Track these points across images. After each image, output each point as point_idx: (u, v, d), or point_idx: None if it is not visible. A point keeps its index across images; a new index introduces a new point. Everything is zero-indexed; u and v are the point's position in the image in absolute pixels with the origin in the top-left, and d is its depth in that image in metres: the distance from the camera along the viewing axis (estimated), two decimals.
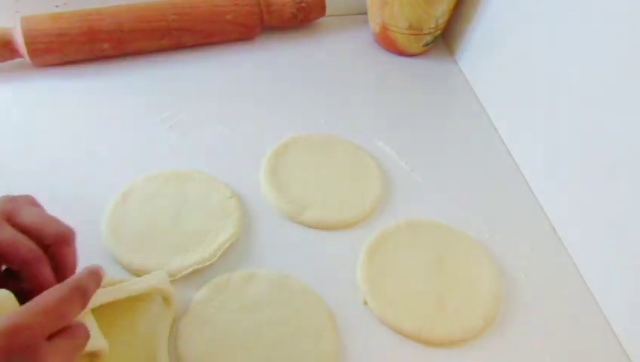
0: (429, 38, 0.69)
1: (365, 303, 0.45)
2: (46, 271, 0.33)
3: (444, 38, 0.74)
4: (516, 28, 0.58)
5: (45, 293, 0.29)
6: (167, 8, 0.63)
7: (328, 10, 0.72)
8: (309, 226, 0.50)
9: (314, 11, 0.71)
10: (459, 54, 0.71)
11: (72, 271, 0.34)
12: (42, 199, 0.49)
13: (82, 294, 0.31)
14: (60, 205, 0.50)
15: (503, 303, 0.46)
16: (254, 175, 0.53)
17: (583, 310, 0.47)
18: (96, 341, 0.33)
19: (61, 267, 0.34)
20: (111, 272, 0.38)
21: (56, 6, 0.64)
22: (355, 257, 0.47)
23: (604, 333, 0.45)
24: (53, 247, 0.33)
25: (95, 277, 0.32)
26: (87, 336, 0.30)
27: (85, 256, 0.36)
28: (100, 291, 0.34)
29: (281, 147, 0.55)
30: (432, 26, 0.67)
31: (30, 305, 0.28)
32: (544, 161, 0.54)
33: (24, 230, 0.33)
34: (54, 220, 0.35)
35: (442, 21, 0.67)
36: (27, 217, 0.34)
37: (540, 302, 0.46)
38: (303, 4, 0.69)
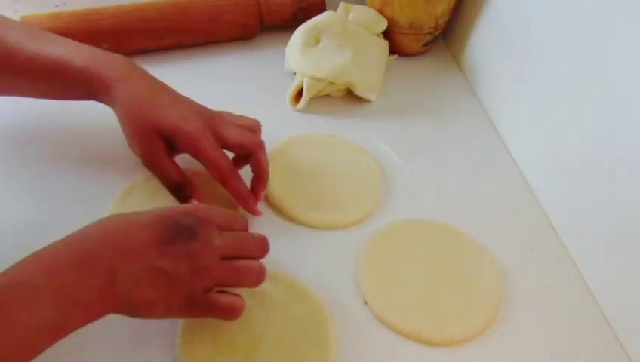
0: (429, 38, 0.69)
1: (365, 303, 0.45)
2: (239, 182, 0.46)
3: (444, 38, 0.74)
4: (516, 28, 0.58)
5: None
6: (167, 8, 0.63)
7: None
8: (309, 226, 0.50)
9: (314, 11, 0.71)
10: (459, 54, 0.71)
11: (266, 174, 0.48)
12: (42, 198, 0.49)
13: (264, 248, 0.41)
14: (60, 203, 0.50)
15: (503, 303, 0.46)
16: None
17: (583, 310, 0.47)
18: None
19: (258, 170, 0.48)
20: None
21: (56, 6, 0.64)
22: (355, 257, 0.47)
23: (604, 333, 0.45)
24: (253, 155, 0.47)
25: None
26: (258, 277, 0.39)
27: None
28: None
29: (282, 147, 0.55)
30: (432, 25, 0.67)
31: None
32: (544, 161, 0.54)
33: (226, 144, 0.46)
34: (248, 133, 0.47)
35: (442, 21, 0.67)
36: (228, 132, 0.46)
37: (540, 302, 0.46)
38: (303, 4, 0.69)
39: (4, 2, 0.63)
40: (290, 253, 0.47)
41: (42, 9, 0.61)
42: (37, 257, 0.32)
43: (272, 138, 0.56)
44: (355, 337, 0.43)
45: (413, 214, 0.51)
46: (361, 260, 0.47)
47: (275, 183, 0.52)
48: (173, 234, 0.35)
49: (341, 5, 0.68)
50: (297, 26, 0.66)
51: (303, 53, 0.61)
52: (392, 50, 0.69)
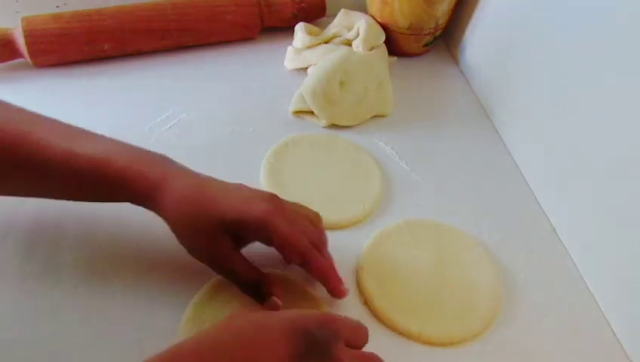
0: (429, 39, 0.69)
1: (365, 303, 0.45)
2: (321, 260, 0.41)
3: (444, 39, 0.74)
4: (516, 28, 0.58)
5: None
6: (167, 8, 0.63)
7: (328, 10, 0.72)
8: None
9: (314, 11, 0.71)
10: (459, 54, 0.71)
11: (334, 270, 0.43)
12: (40, 199, 0.49)
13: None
14: (59, 205, 0.50)
15: (503, 303, 0.46)
16: (254, 175, 0.53)
17: (583, 310, 0.47)
18: None
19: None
20: None
21: (57, 6, 0.64)
22: (355, 257, 0.47)
23: (604, 333, 0.45)
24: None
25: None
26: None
27: None
28: None
29: (281, 147, 0.55)
30: (432, 26, 0.67)
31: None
32: (544, 161, 0.54)
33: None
34: (311, 226, 0.43)
35: (442, 21, 0.67)
36: (292, 217, 0.41)
37: (540, 302, 0.46)
38: (303, 4, 0.69)
39: (4, 2, 0.63)
40: None
41: (43, 9, 0.61)
42: None
43: (271, 138, 0.56)
44: None
45: (413, 214, 0.52)
46: (361, 260, 0.47)
47: (275, 184, 0.52)
48: (307, 349, 0.32)
49: (341, 13, 0.68)
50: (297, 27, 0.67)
51: (327, 101, 0.59)
52: (392, 51, 0.69)
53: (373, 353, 0.37)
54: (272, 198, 0.41)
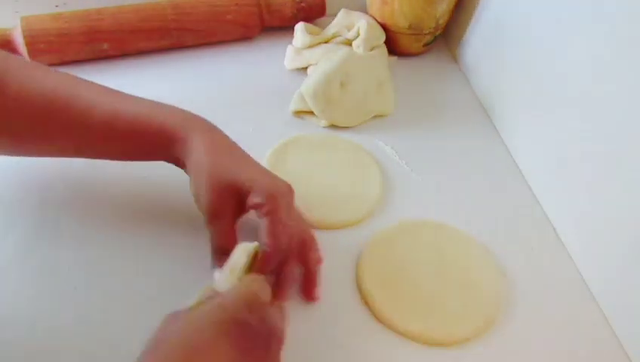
0: (429, 38, 0.69)
1: (365, 303, 0.45)
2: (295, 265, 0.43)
3: (444, 38, 0.74)
4: (516, 28, 0.58)
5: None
6: (167, 8, 0.63)
7: (328, 10, 0.72)
8: (309, 226, 0.50)
9: (314, 11, 0.71)
10: (459, 54, 0.71)
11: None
12: (40, 201, 0.49)
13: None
14: (58, 206, 0.50)
15: (503, 303, 0.46)
16: None
17: (583, 310, 0.47)
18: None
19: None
20: None
21: (56, 6, 0.64)
22: (355, 257, 0.47)
23: (604, 333, 0.45)
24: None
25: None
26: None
27: None
28: None
29: (281, 147, 0.55)
30: (432, 26, 0.67)
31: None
32: (544, 161, 0.54)
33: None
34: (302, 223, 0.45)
35: (442, 21, 0.67)
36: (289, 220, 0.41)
37: (540, 302, 0.46)
38: (303, 4, 0.69)
39: (4, 2, 0.63)
40: None
41: (42, 9, 0.61)
42: None
43: (271, 138, 0.56)
44: (355, 337, 0.43)
45: (413, 214, 0.52)
46: (361, 260, 0.47)
47: None
48: (247, 340, 0.32)
49: (341, 13, 0.68)
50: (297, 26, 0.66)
51: (328, 102, 0.58)
52: (392, 51, 0.69)
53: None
54: (289, 185, 0.43)
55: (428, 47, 0.71)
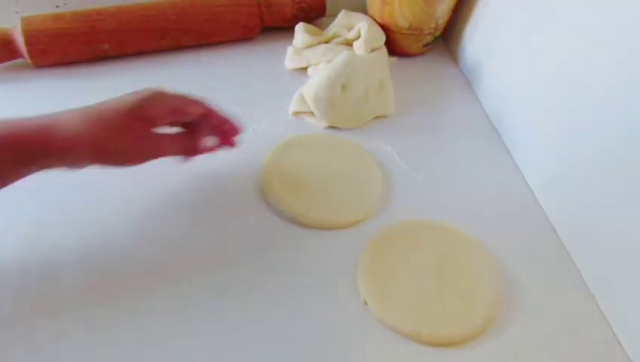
0: (429, 39, 0.69)
1: (365, 303, 0.45)
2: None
3: (444, 38, 0.74)
4: (516, 28, 0.58)
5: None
6: (167, 8, 0.63)
7: (328, 10, 0.72)
8: (310, 226, 0.50)
9: (314, 11, 0.71)
10: (459, 54, 0.71)
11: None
12: (40, 199, 0.49)
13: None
14: (58, 206, 0.50)
15: (503, 303, 0.46)
16: (254, 175, 0.53)
17: (582, 310, 0.46)
18: None
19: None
20: None
21: (57, 6, 0.64)
22: (355, 257, 0.47)
23: (604, 333, 0.45)
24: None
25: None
26: (194, 149, 0.47)
27: None
28: None
29: (281, 147, 0.55)
30: (432, 26, 0.67)
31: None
32: (544, 161, 0.54)
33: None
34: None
35: (442, 21, 0.67)
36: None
37: (540, 302, 0.46)
38: (303, 4, 0.69)
39: (4, 2, 0.63)
40: (290, 253, 0.48)
41: (42, 9, 0.61)
42: None
43: (272, 138, 0.56)
44: (355, 337, 0.43)
45: (413, 214, 0.52)
46: (361, 260, 0.47)
47: (275, 183, 0.52)
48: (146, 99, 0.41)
49: (341, 13, 0.68)
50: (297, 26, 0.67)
51: (330, 106, 0.58)
52: (392, 52, 0.69)
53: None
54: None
55: (428, 47, 0.71)
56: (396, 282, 0.45)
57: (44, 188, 0.50)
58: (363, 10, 0.70)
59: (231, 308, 0.43)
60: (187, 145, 0.47)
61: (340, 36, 0.67)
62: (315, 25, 0.70)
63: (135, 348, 0.40)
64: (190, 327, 0.42)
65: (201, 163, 0.52)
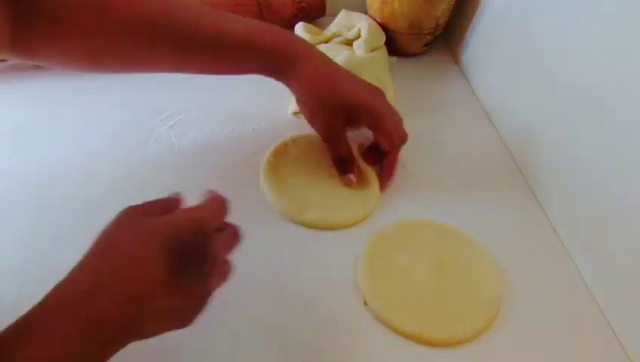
0: (429, 38, 0.69)
1: (365, 303, 0.45)
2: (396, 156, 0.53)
3: (444, 38, 0.74)
4: (516, 28, 0.58)
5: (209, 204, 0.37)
6: None
7: (328, 10, 0.72)
8: (309, 226, 0.50)
9: (314, 11, 0.71)
10: (459, 54, 0.71)
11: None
12: (40, 199, 0.49)
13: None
14: (58, 206, 0.50)
15: (503, 303, 0.46)
16: (254, 175, 0.53)
17: (582, 310, 0.46)
18: None
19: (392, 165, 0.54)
20: None
21: None
22: (355, 257, 0.47)
23: (604, 333, 0.45)
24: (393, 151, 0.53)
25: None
26: (240, 236, 0.38)
27: None
28: None
29: (281, 147, 0.55)
30: (433, 25, 0.67)
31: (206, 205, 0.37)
32: (544, 161, 0.54)
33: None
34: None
35: (442, 21, 0.67)
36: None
37: (540, 302, 0.46)
38: (303, 4, 0.69)
39: None
40: (291, 253, 0.48)
41: None
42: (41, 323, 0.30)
43: (271, 138, 0.56)
44: (356, 337, 0.43)
45: (413, 214, 0.51)
46: (361, 260, 0.47)
47: (275, 184, 0.52)
48: (183, 262, 0.32)
49: (341, 13, 0.68)
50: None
51: None
52: (392, 51, 0.69)
53: (234, 228, 0.38)
54: (384, 93, 0.51)
55: (428, 47, 0.71)
56: (396, 282, 0.45)
57: (45, 188, 0.50)
58: (363, 10, 0.70)
59: (231, 307, 0.43)
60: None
61: (340, 36, 0.66)
62: (315, 24, 0.70)
63: (135, 347, 0.40)
64: (190, 327, 0.42)
65: (201, 162, 0.53)
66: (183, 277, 0.32)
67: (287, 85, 0.51)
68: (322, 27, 0.70)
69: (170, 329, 0.33)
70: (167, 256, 0.31)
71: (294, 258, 0.47)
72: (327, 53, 0.62)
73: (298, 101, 0.51)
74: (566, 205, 0.51)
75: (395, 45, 0.69)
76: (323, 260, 0.47)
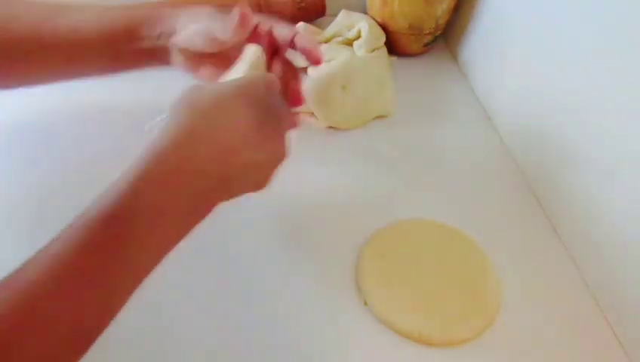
0: (429, 38, 0.69)
1: (365, 304, 0.45)
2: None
3: (444, 38, 0.74)
4: (517, 28, 0.58)
5: None
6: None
7: (328, 10, 0.72)
8: (309, 226, 0.50)
9: (314, 11, 0.71)
10: (459, 54, 0.71)
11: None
12: (41, 199, 0.49)
13: None
14: (58, 206, 0.50)
15: (503, 303, 0.46)
16: None
17: (582, 310, 0.46)
18: None
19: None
20: None
21: None
22: (355, 257, 0.47)
23: (604, 333, 0.45)
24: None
25: None
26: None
27: None
28: None
29: None
30: (433, 26, 0.67)
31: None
32: (544, 161, 0.54)
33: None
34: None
35: (442, 21, 0.67)
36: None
37: (540, 302, 0.46)
38: (303, 4, 0.69)
39: None
40: (290, 254, 0.47)
41: None
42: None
43: None
44: (355, 337, 0.43)
45: (413, 214, 0.51)
46: (361, 260, 0.47)
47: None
48: (265, 115, 0.36)
49: (341, 13, 0.68)
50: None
51: (329, 106, 0.59)
52: (392, 51, 0.69)
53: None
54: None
55: (428, 47, 0.71)
56: (396, 282, 0.45)
57: (45, 188, 0.50)
58: (363, 10, 0.70)
59: (231, 307, 0.43)
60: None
61: (340, 36, 0.66)
62: (315, 25, 0.70)
63: (136, 346, 0.40)
64: (189, 327, 0.42)
65: None
66: (266, 133, 0.36)
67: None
68: (322, 27, 0.69)
69: (249, 190, 0.38)
70: (255, 112, 0.35)
71: (294, 258, 0.47)
72: (328, 53, 0.62)
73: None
74: (566, 205, 0.51)
75: (395, 45, 0.69)
76: (323, 260, 0.47)
